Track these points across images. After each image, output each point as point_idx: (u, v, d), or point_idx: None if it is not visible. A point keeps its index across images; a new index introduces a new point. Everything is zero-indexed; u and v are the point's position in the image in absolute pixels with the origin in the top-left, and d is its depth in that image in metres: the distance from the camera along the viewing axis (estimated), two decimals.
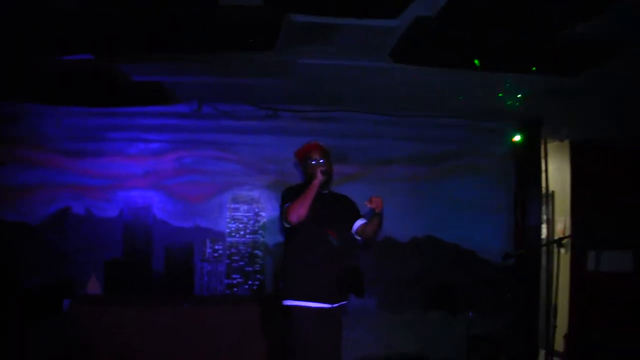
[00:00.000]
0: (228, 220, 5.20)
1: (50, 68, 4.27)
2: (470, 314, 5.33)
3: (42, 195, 5.15)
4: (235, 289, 5.18)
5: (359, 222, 3.40)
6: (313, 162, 3.34)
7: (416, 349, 5.25)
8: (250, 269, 5.20)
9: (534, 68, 3.75)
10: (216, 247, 5.18)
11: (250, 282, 5.19)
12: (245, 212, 5.20)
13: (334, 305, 3.20)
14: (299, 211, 3.13)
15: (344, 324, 3.39)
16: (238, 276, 5.19)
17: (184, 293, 5.13)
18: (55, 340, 4.74)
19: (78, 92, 4.90)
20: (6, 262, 5.11)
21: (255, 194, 5.22)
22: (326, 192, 3.38)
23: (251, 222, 5.21)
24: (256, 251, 5.21)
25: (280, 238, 5.22)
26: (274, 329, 4.56)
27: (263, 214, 5.22)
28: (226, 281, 5.18)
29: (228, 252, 5.19)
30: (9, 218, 5.13)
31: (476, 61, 3.63)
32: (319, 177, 3.18)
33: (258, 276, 5.20)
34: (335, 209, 3.36)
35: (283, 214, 3.25)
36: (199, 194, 5.15)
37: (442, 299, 5.36)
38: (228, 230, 5.20)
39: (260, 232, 5.22)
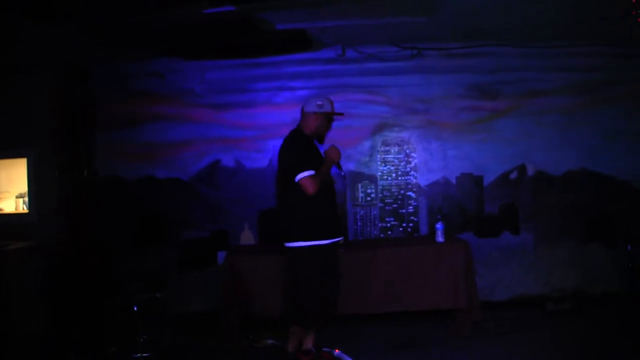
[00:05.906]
0: (379, 163, 5.16)
1: (193, 22, 4.29)
2: (628, 247, 5.21)
3: (192, 150, 5.23)
4: (389, 232, 5.15)
5: None
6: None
7: (575, 283, 5.16)
8: (403, 211, 5.16)
9: None
10: (368, 190, 5.15)
11: (404, 225, 5.15)
12: (396, 154, 5.14)
13: None
14: None
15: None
16: (392, 219, 5.16)
17: None
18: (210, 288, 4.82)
19: (222, 45, 4.92)
20: (162, 216, 5.23)
21: (405, 135, 5.14)
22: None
23: (402, 163, 5.15)
24: (409, 193, 5.16)
25: (432, 177, 5.18)
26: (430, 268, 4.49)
27: (414, 154, 5.15)
28: (380, 224, 5.15)
29: (381, 195, 5.16)
30: (162, 175, 5.24)
31: None
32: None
33: (412, 218, 5.15)
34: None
35: None
36: (349, 138, 5.11)
37: (601, 232, 5.22)
38: (380, 174, 5.17)
39: (412, 173, 5.16)
